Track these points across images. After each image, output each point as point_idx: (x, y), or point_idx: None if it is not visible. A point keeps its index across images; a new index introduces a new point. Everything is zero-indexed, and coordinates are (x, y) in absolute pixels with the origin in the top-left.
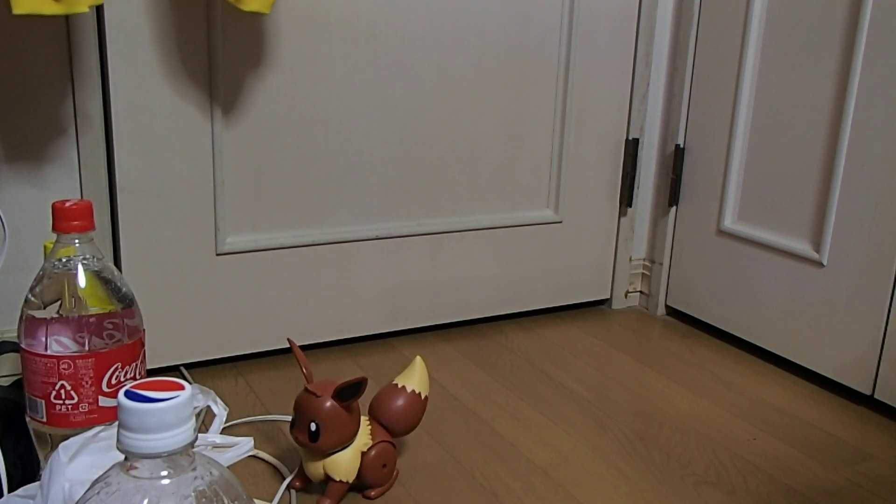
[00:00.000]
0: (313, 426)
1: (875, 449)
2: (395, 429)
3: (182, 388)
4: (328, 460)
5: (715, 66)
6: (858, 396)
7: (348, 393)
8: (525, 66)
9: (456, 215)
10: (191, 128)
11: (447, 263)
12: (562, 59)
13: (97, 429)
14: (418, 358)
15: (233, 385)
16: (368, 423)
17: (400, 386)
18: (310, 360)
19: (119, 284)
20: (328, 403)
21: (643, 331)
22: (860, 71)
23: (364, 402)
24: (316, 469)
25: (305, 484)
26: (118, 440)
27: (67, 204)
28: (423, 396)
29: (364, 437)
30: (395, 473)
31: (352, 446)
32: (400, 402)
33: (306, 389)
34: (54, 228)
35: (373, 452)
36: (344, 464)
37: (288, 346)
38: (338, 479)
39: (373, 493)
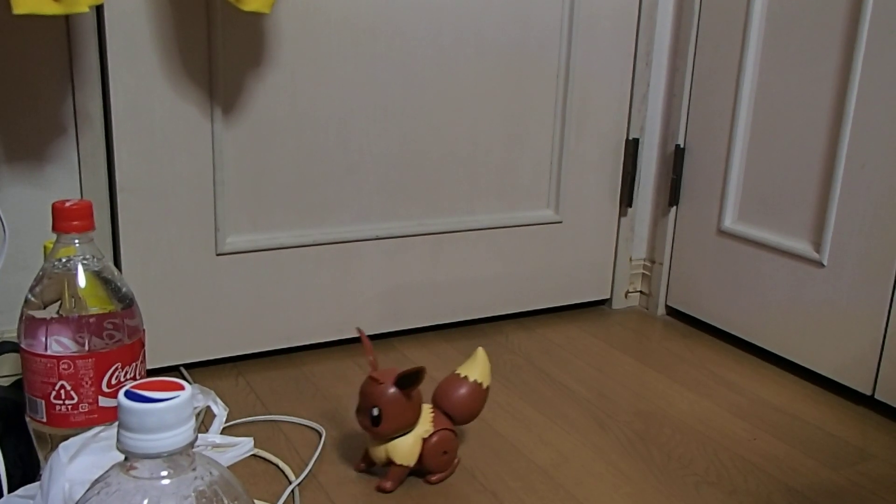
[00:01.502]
0: (375, 411)
1: (875, 449)
2: (458, 417)
3: (182, 388)
4: (390, 445)
5: (715, 66)
6: (859, 396)
7: (407, 381)
8: (525, 66)
9: (456, 215)
10: (191, 127)
11: (447, 263)
12: (562, 59)
13: (97, 429)
14: (480, 349)
15: (233, 385)
16: (431, 410)
17: (462, 376)
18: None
19: (119, 284)
20: (390, 390)
21: (643, 331)
22: (861, 71)
23: (428, 391)
24: (379, 453)
25: (370, 465)
26: (118, 440)
27: (67, 204)
28: (484, 386)
29: (426, 424)
30: (456, 461)
31: (413, 432)
32: (462, 391)
33: (370, 377)
34: (54, 228)
35: (434, 439)
36: (405, 449)
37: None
38: (398, 464)
39: (434, 479)
